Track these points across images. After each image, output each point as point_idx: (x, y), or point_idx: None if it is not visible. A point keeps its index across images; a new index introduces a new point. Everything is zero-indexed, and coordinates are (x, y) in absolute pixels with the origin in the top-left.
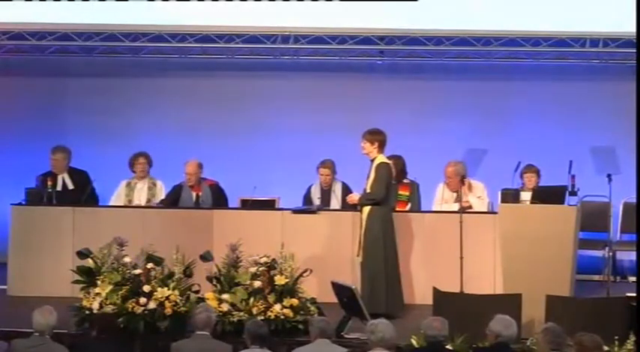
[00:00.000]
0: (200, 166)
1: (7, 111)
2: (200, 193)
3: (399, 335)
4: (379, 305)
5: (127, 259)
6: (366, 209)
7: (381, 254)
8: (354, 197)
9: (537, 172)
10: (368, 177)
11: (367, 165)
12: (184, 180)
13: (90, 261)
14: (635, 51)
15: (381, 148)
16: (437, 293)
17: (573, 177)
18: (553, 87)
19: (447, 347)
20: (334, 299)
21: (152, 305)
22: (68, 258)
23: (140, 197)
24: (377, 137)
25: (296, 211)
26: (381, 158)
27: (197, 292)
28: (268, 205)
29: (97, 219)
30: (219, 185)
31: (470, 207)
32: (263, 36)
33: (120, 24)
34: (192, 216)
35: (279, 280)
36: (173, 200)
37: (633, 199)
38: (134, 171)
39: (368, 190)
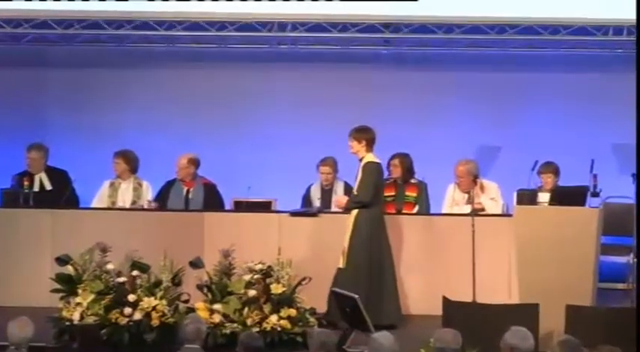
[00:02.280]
0: (192, 161)
1: None
2: (191, 189)
3: (406, 347)
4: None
5: (110, 266)
6: (354, 212)
7: (366, 260)
8: (341, 200)
9: (556, 171)
10: (356, 177)
11: None
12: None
13: (70, 267)
14: None
15: (370, 147)
16: (447, 302)
17: (595, 176)
18: (573, 78)
19: None
20: None
21: (138, 315)
22: (46, 265)
23: (124, 198)
24: (364, 135)
25: (294, 213)
26: (370, 157)
27: (186, 302)
28: (264, 207)
29: (77, 222)
30: (216, 187)
31: (482, 209)
32: (258, 23)
33: (103, 10)
34: (182, 218)
35: (276, 289)
36: (164, 196)
37: None
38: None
39: (355, 192)
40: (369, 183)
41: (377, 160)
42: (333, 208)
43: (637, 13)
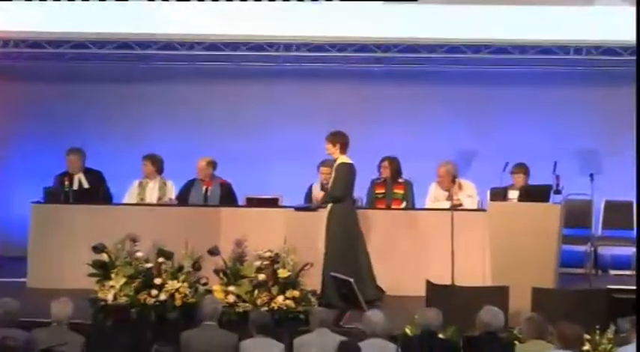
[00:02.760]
0: (211, 163)
1: (28, 116)
2: (210, 188)
3: (394, 324)
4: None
5: (139, 254)
6: (329, 207)
7: (342, 247)
8: (318, 196)
9: (526, 171)
10: (331, 175)
11: (364, 165)
12: (197, 175)
13: (104, 255)
14: (615, 58)
15: (343, 149)
16: (430, 285)
17: (558, 176)
18: (539, 92)
19: (440, 335)
20: None
21: (163, 296)
22: (84, 253)
23: (151, 195)
24: (338, 139)
25: (298, 209)
26: (343, 158)
27: (205, 284)
28: (272, 203)
29: (111, 216)
30: (231, 186)
31: (461, 205)
32: (267, 44)
33: (132, 33)
34: (201, 213)
35: (282, 273)
36: (185, 193)
37: (613, 197)
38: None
39: (329, 189)
40: (342, 181)
41: (349, 161)
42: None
43: (637, 22)
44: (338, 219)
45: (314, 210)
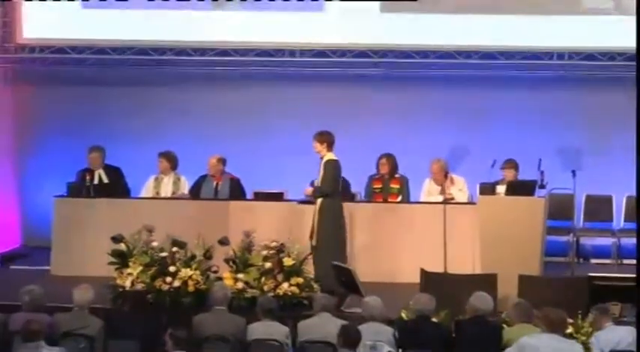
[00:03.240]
0: (221, 160)
1: (53, 117)
2: (220, 183)
3: (390, 309)
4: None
5: (154, 243)
6: (319, 201)
7: (332, 239)
8: (308, 190)
9: (516, 166)
10: (319, 172)
11: (362, 162)
12: (208, 171)
13: (123, 245)
14: (595, 63)
15: (330, 147)
16: (424, 273)
17: (542, 172)
18: (525, 95)
19: (433, 319)
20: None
21: (177, 283)
22: (104, 243)
23: (166, 190)
24: (325, 138)
25: (301, 202)
26: (330, 156)
27: (216, 272)
28: (278, 197)
29: (128, 209)
30: (240, 181)
31: (452, 198)
32: (273, 50)
33: (150, 40)
34: (212, 206)
35: (287, 262)
36: (197, 188)
37: (594, 192)
38: None
39: (319, 185)
40: (330, 177)
41: (336, 158)
42: None
43: (637, 35)
44: (329, 213)
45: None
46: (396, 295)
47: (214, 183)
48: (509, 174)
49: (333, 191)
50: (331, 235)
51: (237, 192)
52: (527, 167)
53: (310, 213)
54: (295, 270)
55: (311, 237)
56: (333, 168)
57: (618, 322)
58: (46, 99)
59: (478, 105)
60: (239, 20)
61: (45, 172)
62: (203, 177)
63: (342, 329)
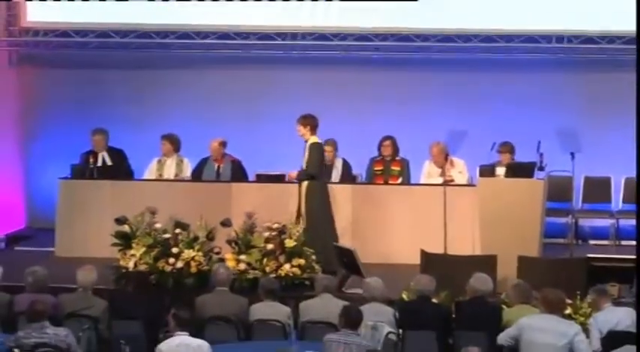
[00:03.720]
0: (222, 143)
1: (57, 99)
2: (221, 165)
3: (391, 290)
4: (331, 263)
5: (157, 225)
6: (304, 183)
7: (320, 220)
8: (292, 173)
9: (512, 149)
10: (303, 155)
11: (363, 144)
12: (210, 154)
13: (126, 226)
14: (593, 46)
15: (313, 130)
16: (424, 254)
17: (541, 154)
18: (524, 77)
19: (433, 300)
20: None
21: (179, 264)
22: (107, 224)
23: (169, 172)
24: (309, 121)
25: None
26: (314, 139)
27: (218, 253)
28: (279, 179)
29: (132, 190)
30: (241, 163)
31: (452, 180)
32: (275, 34)
33: (152, 23)
34: (214, 188)
35: (289, 243)
36: (199, 171)
37: (592, 174)
38: None
39: (304, 167)
40: (315, 159)
41: (320, 141)
42: (334, 179)
43: (637, 17)
44: (316, 195)
45: None
46: (397, 276)
47: (216, 166)
48: (505, 157)
49: (318, 173)
50: (320, 216)
51: (238, 174)
52: (526, 149)
53: None
54: (297, 251)
55: (297, 220)
56: (317, 150)
57: (616, 303)
58: (50, 82)
59: (478, 88)
60: (241, 3)
61: (49, 154)
62: (205, 160)
63: (344, 309)
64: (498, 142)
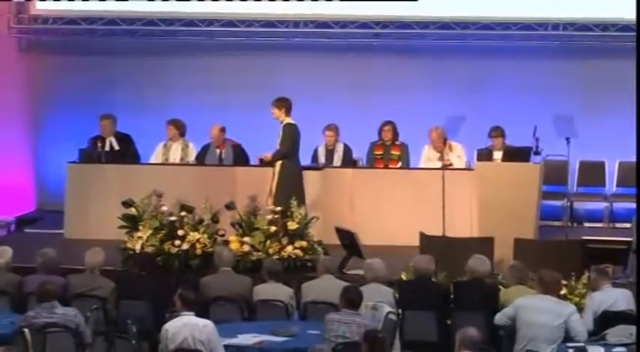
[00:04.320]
0: (222, 130)
1: (65, 85)
2: (223, 150)
3: (390, 271)
4: None
5: (164, 208)
6: (279, 163)
7: (290, 199)
8: (267, 155)
9: (503, 133)
10: (278, 136)
11: (363, 130)
12: (210, 141)
13: (133, 209)
14: (588, 33)
15: (288, 112)
16: (423, 236)
17: (537, 139)
18: (520, 64)
19: (433, 280)
20: (337, 242)
21: (185, 246)
22: (115, 207)
23: (175, 156)
24: (283, 103)
25: (305, 168)
26: (288, 120)
27: (222, 235)
28: None
29: (138, 174)
30: (242, 147)
31: (451, 164)
32: (277, 21)
33: (157, 11)
34: (218, 172)
35: (291, 225)
36: (202, 159)
37: (587, 158)
38: None
39: (278, 147)
40: (289, 140)
41: (294, 122)
42: (335, 163)
43: (637, 11)
44: (289, 175)
45: (320, 169)
46: (397, 258)
47: (218, 152)
48: (497, 141)
49: (292, 153)
50: (292, 195)
51: (240, 158)
52: (522, 134)
53: (314, 179)
54: (299, 234)
55: (268, 199)
56: (292, 131)
57: (613, 283)
58: (59, 69)
59: (476, 74)
60: None
61: (58, 139)
62: (206, 147)
63: (344, 290)
64: (489, 127)
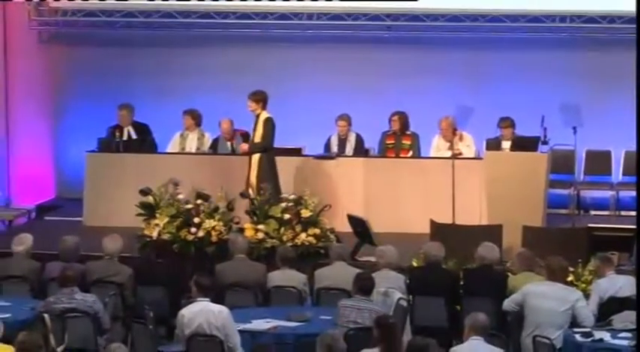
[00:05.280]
0: (231, 123)
1: (84, 76)
2: (234, 142)
3: (402, 258)
4: None
5: (180, 196)
6: (256, 155)
7: (274, 192)
8: (244, 146)
9: (512, 123)
10: (254, 129)
11: (375, 120)
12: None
13: (150, 197)
14: (595, 25)
15: (264, 105)
16: (433, 224)
17: (545, 129)
18: (529, 55)
19: (443, 267)
20: (349, 229)
21: (201, 233)
22: (132, 195)
23: (191, 146)
24: (259, 97)
25: (318, 157)
26: (265, 114)
27: (237, 223)
28: (295, 152)
29: (156, 163)
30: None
31: (461, 154)
32: (292, 14)
33: (175, 3)
34: (233, 161)
35: (305, 213)
36: (215, 146)
37: (593, 147)
38: None
39: (256, 140)
40: (267, 132)
41: (270, 115)
42: (347, 153)
43: (637, 8)
44: (267, 167)
45: (332, 158)
46: (407, 245)
47: (229, 144)
48: (507, 132)
49: (270, 146)
50: (272, 188)
51: None
52: (530, 124)
53: (327, 168)
54: (312, 221)
55: (246, 190)
56: (270, 124)
57: (617, 271)
58: (78, 60)
59: (485, 65)
60: None
61: (77, 129)
62: (216, 140)
63: (357, 276)
64: (498, 117)
